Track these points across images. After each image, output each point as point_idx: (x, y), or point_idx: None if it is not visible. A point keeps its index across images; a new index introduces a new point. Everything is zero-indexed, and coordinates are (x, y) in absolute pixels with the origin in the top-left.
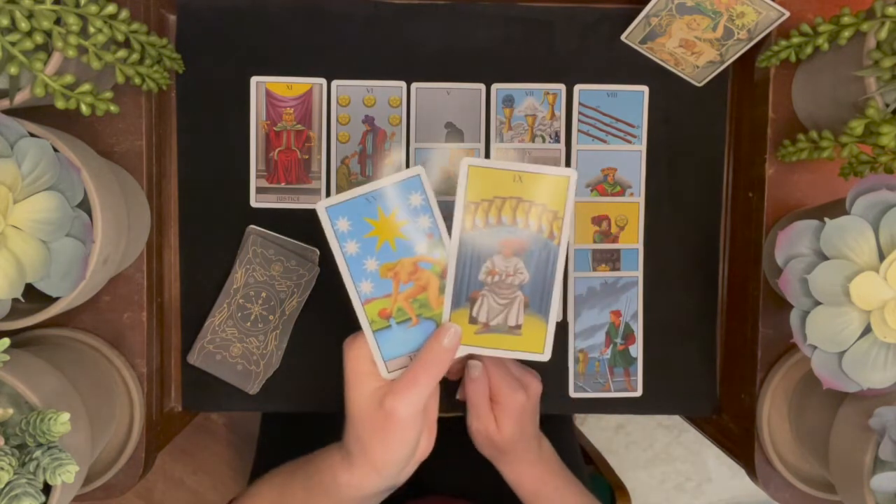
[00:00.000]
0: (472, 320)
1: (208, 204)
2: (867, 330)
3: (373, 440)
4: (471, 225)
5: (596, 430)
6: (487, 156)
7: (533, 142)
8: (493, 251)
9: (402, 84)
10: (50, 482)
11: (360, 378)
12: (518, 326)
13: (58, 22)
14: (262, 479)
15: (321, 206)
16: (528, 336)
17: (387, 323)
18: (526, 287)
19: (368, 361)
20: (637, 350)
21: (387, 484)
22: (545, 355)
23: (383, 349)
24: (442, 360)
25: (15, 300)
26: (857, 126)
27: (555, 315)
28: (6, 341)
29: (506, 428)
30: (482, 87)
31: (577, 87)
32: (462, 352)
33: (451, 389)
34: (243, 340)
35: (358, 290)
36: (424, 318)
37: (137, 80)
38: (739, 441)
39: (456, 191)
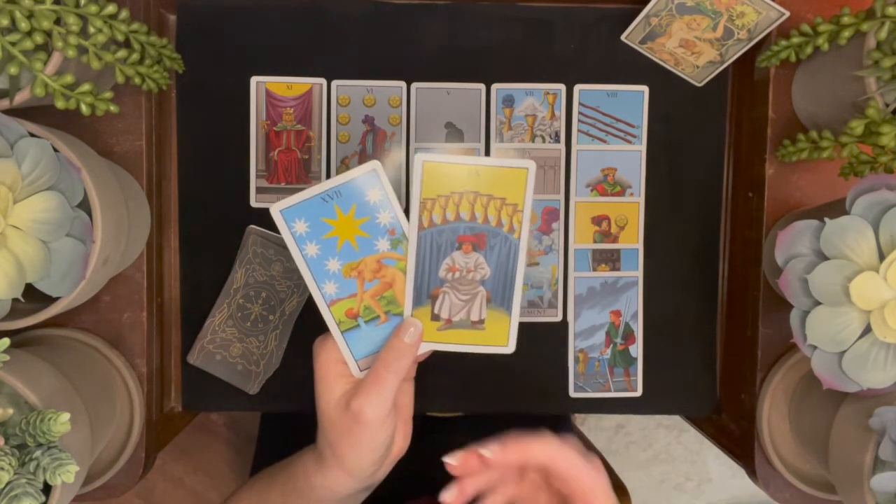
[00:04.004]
0: (435, 317)
1: (208, 204)
2: (867, 330)
3: (342, 444)
4: (428, 222)
5: (596, 430)
6: (487, 156)
7: (533, 142)
8: (452, 248)
9: (402, 84)
10: (50, 482)
11: (329, 381)
12: (481, 321)
13: (58, 22)
14: (246, 483)
15: (275, 209)
16: (492, 330)
17: (355, 322)
18: (488, 282)
19: (337, 363)
20: (637, 350)
21: (361, 485)
22: (509, 348)
23: (353, 349)
24: (404, 356)
25: (15, 300)
26: (857, 126)
27: (517, 308)
28: (6, 341)
29: None
30: (482, 87)
31: (577, 87)
32: (425, 348)
33: (452, 390)
34: (243, 340)
35: (322, 292)
36: (393, 315)
37: (137, 80)
38: (739, 441)
39: (411, 188)
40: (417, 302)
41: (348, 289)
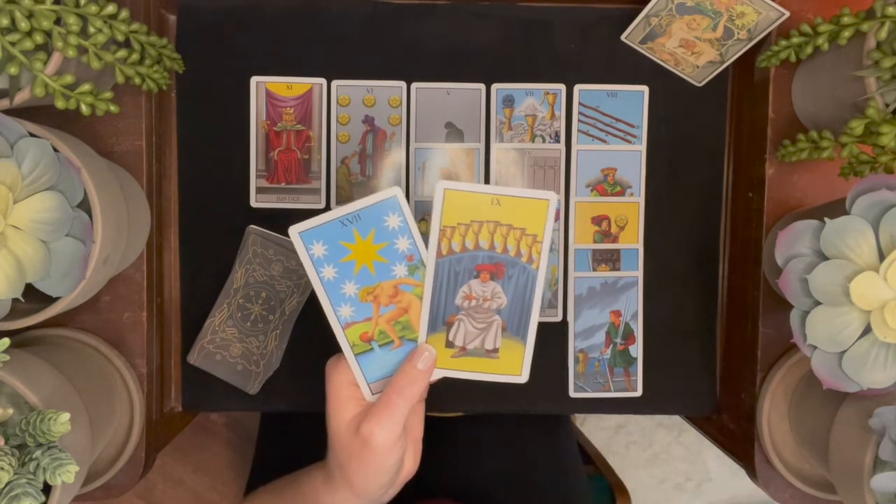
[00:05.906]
0: (449, 344)
1: (208, 204)
2: (867, 330)
3: (352, 466)
4: (447, 249)
5: (596, 430)
6: (487, 156)
7: (533, 142)
8: (470, 276)
9: (402, 84)
10: (50, 482)
11: (341, 403)
12: (495, 350)
13: (58, 22)
14: (250, 497)
15: (294, 232)
16: (506, 359)
17: (369, 346)
18: (504, 311)
19: (349, 386)
20: (637, 350)
21: None
22: (523, 377)
23: (366, 372)
24: (417, 382)
25: (15, 300)
26: (857, 126)
27: (533, 338)
28: (6, 341)
29: None
30: (482, 87)
31: (577, 87)
32: (438, 374)
33: (452, 390)
34: (243, 340)
35: (337, 315)
36: (407, 340)
37: (137, 80)
38: (739, 441)
39: (431, 214)
40: (432, 328)
41: (364, 312)
